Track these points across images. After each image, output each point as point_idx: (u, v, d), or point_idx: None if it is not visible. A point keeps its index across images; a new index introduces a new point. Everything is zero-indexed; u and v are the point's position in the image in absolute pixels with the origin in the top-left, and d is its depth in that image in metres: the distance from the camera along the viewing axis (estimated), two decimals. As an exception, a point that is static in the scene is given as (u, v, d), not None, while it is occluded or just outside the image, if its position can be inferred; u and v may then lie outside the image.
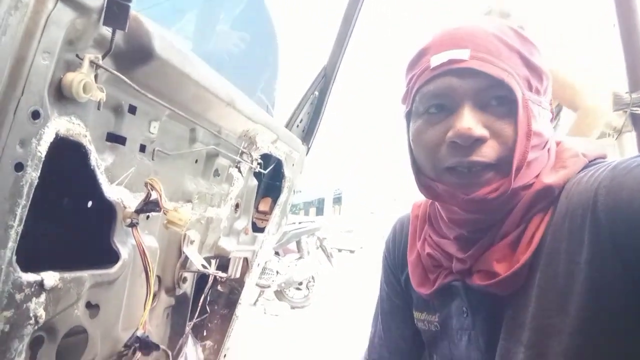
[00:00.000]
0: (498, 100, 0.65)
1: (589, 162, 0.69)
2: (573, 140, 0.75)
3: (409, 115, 0.74)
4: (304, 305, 5.84)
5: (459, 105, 0.65)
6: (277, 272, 5.50)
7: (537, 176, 0.67)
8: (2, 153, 0.52)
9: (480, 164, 0.64)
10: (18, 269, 0.58)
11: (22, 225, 0.57)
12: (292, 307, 5.67)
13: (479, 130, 0.63)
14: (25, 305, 0.61)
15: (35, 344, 0.69)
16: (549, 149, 0.70)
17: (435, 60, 0.67)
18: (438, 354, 0.81)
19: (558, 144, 0.74)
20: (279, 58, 1.81)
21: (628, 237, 0.55)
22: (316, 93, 1.75)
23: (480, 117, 0.64)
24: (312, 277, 5.90)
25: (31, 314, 0.62)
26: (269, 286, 5.51)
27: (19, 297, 0.59)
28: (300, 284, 5.86)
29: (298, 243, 5.88)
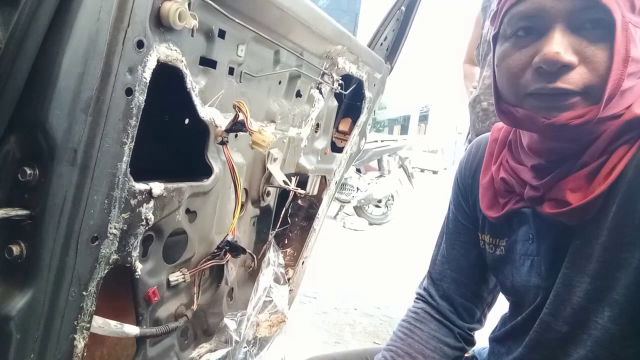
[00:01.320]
0: (594, 23, 0.60)
1: None
2: None
3: (495, 38, 0.71)
4: (382, 222, 6.00)
5: (550, 27, 0.61)
6: (357, 189, 5.65)
7: (628, 107, 0.63)
8: (115, 80, 0.60)
9: (565, 90, 0.60)
10: (132, 179, 0.69)
11: (133, 142, 0.66)
12: (371, 224, 5.86)
13: (568, 56, 0.59)
14: (138, 209, 0.72)
15: (147, 241, 0.82)
16: None
17: None
18: (499, 277, 0.84)
19: None
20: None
21: None
22: (403, 9, 1.66)
23: (571, 41, 0.60)
24: (392, 196, 5.98)
25: (143, 217, 0.74)
26: (348, 201, 5.71)
27: (133, 202, 0.71)
28: (380, 201, 5.98)
29: (379, 161, 5.92)
